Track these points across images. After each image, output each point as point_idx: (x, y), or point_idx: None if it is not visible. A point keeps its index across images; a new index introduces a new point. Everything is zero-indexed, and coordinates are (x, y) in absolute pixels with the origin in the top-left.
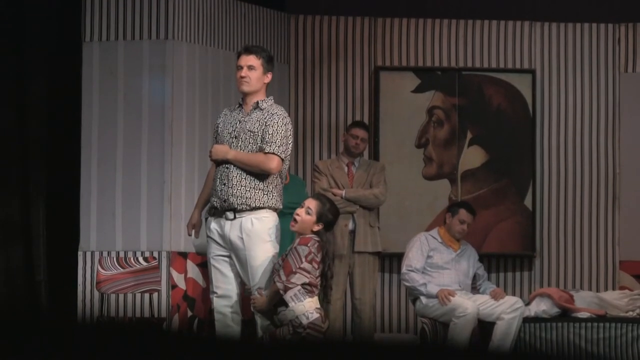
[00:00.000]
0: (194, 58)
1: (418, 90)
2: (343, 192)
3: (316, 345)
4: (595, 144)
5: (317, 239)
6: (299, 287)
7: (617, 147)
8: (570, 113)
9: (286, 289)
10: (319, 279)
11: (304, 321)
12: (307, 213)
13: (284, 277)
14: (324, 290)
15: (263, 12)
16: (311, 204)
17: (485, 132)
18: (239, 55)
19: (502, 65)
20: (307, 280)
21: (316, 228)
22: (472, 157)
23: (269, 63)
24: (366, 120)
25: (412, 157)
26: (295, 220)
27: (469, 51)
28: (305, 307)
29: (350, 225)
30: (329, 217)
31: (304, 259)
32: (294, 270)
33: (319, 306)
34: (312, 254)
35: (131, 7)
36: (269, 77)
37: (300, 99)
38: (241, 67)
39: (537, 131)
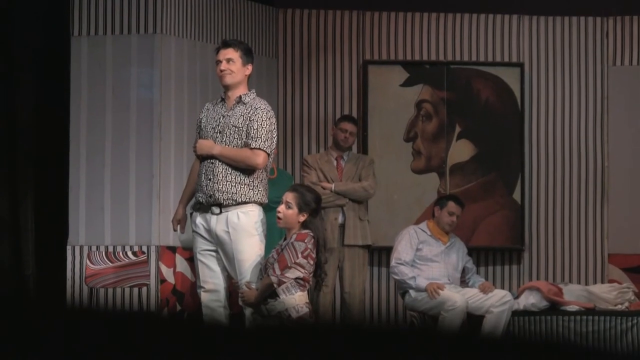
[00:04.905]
0: (183, 52)
1: (406, 84)
2: (332, 186)
3: (305, 331)
4: (584, 137)
5: (312, 234)
6: (292, 280)
7: (605, 141)
8: (559, 106)
9: (280, 283)
10: (312, 274)
11: (293, 314)
12: (287, 207)
13: (278, 271)
14: (318, 277)
15: (251, 6)
16: (289, 197)
17: (474, 125)
18: (217, 51)
19: (490, 59)
20: (301, 275)
21: (302, 219)
22: (461, 150)
23: (247, 55)
24: (355, 114)
25: (401, 151)
26: (279, 218)
27: (457, 45)
28: (296, 300)
29: (340, 219)
30: (311, 205)
31: (300, 255)
32: (289, 265)
33: (308, 301)
34: (309, 250)
35: (119, 2)
36: (249, 69)
37: (288, 93)
38: (220, 61)
39: (526, 125)
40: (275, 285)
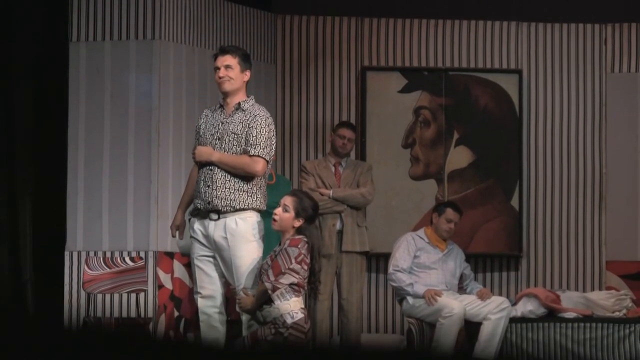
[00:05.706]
0: (181, 58)
1: (405, 90)
2: (330, 192)
3: (299, 350)
4: (582, 144)
5: (306, 240)
6: (286, 286)
7: (603, 147)
8: (557, 113)
9: (274, 289)
10: (306, 280)
11: (288, 320)
12: (284, 211)
13: (272, 278)
14: (312, 285)
15: (249, 12)
16: (287, 200)
17: (472, 132)
18: (215, 58)
19: (488, 66)
20: (295, 281)
21: (297, 224)
22: (459, 157)
23: (245, 61)
24: (353, 121)
25: (399, 157)
26: (274, 220)
27: (456, 51)
28: (291, 306)
29: (338, 225)
30: (308, 211)
31: (293, 260)
32: (283, 271)
33: (303, 306)
34: (302, 255)
35: (118, 7)
36: (247, 75)
37: (287, 99)
38: (218, 68)
39: (524, 131)
40: (269, 292)
